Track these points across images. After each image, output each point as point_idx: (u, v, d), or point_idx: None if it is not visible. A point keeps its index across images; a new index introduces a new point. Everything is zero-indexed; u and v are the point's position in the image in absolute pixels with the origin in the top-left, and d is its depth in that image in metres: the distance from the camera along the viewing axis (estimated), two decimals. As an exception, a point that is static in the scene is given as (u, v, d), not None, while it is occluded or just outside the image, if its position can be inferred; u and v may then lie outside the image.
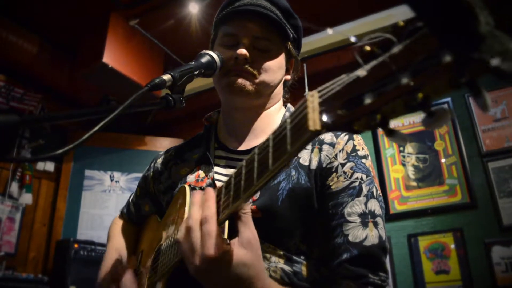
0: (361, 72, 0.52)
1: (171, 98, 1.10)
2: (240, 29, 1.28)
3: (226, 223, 0.94)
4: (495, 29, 0.37)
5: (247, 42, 1.26)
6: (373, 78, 0.49)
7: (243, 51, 1.23)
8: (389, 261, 3.42)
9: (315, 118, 0.58)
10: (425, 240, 3.38)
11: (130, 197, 1.65)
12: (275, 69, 1.29)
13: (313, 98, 0.60)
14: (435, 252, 3.32)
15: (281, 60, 1.31)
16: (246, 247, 0.85)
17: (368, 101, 0.49)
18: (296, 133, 0.64)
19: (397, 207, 3.58)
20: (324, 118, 0.56)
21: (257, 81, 1.25)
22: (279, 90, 1.38)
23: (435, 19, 0.40)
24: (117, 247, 1.50)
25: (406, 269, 3.37)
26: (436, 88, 0.41)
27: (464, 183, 3.39)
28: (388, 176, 3.71)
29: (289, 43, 1.33)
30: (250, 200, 1.10)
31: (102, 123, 0.87)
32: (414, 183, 3.60)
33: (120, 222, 1.63)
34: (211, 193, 0.90)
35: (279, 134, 0.71)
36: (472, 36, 0.37)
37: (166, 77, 1.10)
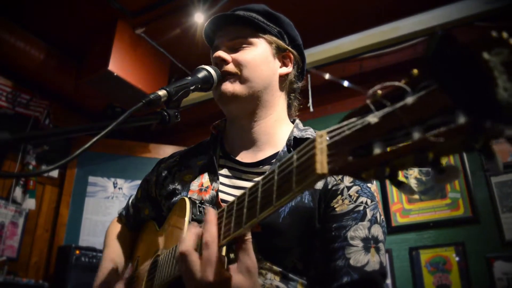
0: (373, 119, 0.52)
1: (166, 113, 1.12)
2: (217, 38, 1.36)
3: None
4: None
5: (224, 45, 1.32)
6: (384, 127, 0.49)
7: (217, 53, 1.29)
8: (390, 274, 3.41)
9: (323, 161, 0.58)
10: (427, 253, 3.37)
11: (129, 198, 1.65)
12: (256, 63, 1.29)
13: (321, 139, 0.60)
14: (436, 266, 3.31)
15: (262, 53, 1.32)
16: (245, 274, 0.86)
17: (377, 151, 0.49)
18: (302, 173, 0.64)
19: (399, 219, 3.57)
20: (332, 162, 0.56)
21: (241, 79, 1.27)
22: (276, 93, 1.36)
23: (450, 80, 0.40)
24: (112, 257, 1.50)
25: (407, 283, 3.36)
26: (448, 149, 0.41)
27: (466, 197, 3.38)
28: (390, 189, 3.70)
29: (271, 36, 1.34)
30: None
31: (94, 139, 0.88)
32: (416, 196, 3.59)
33: (117, 227, 1.63)
34: (213, 217, 0.91)
35: (284, 169, 0.71)
36: (489, 101, 0.37)
37: (162, 92, 1.11)
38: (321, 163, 0.58)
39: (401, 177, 3.41)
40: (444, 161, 0.45)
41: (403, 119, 0.47)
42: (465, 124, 0.40)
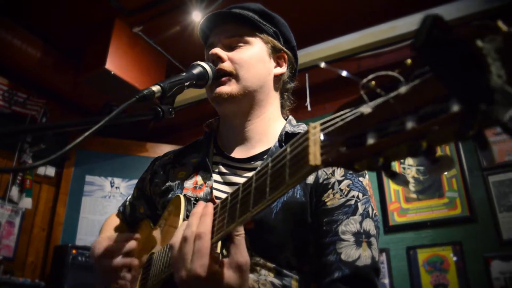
0: (365, 109, 0.51)
1: (160, 109, 1.10)
2: (212, 36, 1.36)
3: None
4: (507, 84, 0.36)
5: (220, 43, 1.32)
6: (377, 117, 0.49)
7: (214, 50, 1.28)
8: (388, 273, 3.40)
9: (316, 152, 0.57)
10: (424, 252, 3.36)
11: (128, 196, 1.65)
12: (252, 62, 1.29)
13: (315, 131, 0.60)
14: (434, 265, 3.30)
15: (258, 53, 1.31)
16: (235, 270, 0.86)
17: (371, 141, 0.48)
18: (295, 165, 0.63)
19: (397, 219, 3.57)
20: (325, 153, 0.55)
21: (236, 78, 1.27)
22: (270, 92, 1.36)
23: (443, 67, 0.39)
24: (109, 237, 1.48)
25: (404, 282, 3.35)
26: (441, 137, 0.41)
27: (464, 196, 3.37)
28: (388, 188, 3.69)
29: (267, 36, 1.34)
30: None
31: (86, 134, 0.88)
32: (414, 195, 3.58)
33: (115, 220, 1.63)
34: (210, 210, 0.91)
35: (278, 162, 0.70)
36: (482, 88, 0.36)
37: (155, 88, 1.10)
38: (314, 155, 0.57)
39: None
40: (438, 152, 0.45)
41: (397, 108, 0.46)
42: (459, 112, 0.39)
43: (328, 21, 3.79)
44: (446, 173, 3.50)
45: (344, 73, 0.57)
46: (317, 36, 3.78)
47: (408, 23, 3.49)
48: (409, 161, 3.69)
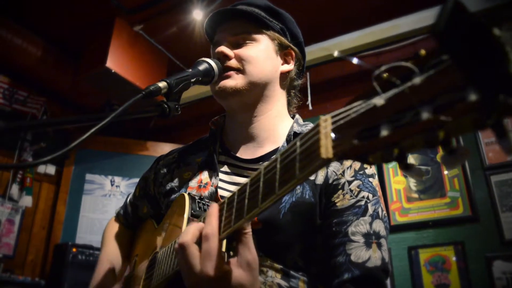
0: (379, 100, 0.50)
1: (166, 106, 1.09)
2: (219, 33, 1.34)
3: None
4: None
5: (226, 41, 1.30)
6: (391, 108, 0.48)
7: (220, 48, 1.27)
8: (389, 273, 3.39)
9: (328, 145, 0.56)
10: (426, 252, 3.35)
11: (127, 197, 1.63)
12: (259, 59, 1.28)
13: (326, 124, 0.58)
14: (435, 265, 3.29)
15: (266, 49, 1.30)
16: (245, 268, 0.84)
17: (384, 133, 0.47)
18: (306, 158, 0.62)
19: (398, 218, 3.56)
20: (337, 146, 0.54)
21: (243, 74, 1.25)
22: (277, 89, 1.35)
23: (462, 55, 0.38)
24: (109, 258, 1.48)
25: (406, 282, 3.34)
26: (459, 127, 0.40)
27: (466, 196, 3.36)
28: (389, 187, 3.68)
29: (273, 33, 1.32)
30: None
31: (92, 130, 0.87)
32: (415, 195, 3.57)
33: (115, 226, 1.61)
34: (215, 210, 0.90)
35: (287, 156, 0.69)
36: (501, 76, 0.36)
37: (162, 84, 1.09)
38: (326, 148, 0.56)
39: (400, 177, 3.36)
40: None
41: (411, 99, 0.45)
42: (477, 101, 0.38)
43: (329, 19, 3.79)
44: (446, 172, 3.49)
45: (354, 60, 0.56)
46: (318, 35, 3.77)
47: (410, 22, 3.48)
48: (411, 160, 3.68)
